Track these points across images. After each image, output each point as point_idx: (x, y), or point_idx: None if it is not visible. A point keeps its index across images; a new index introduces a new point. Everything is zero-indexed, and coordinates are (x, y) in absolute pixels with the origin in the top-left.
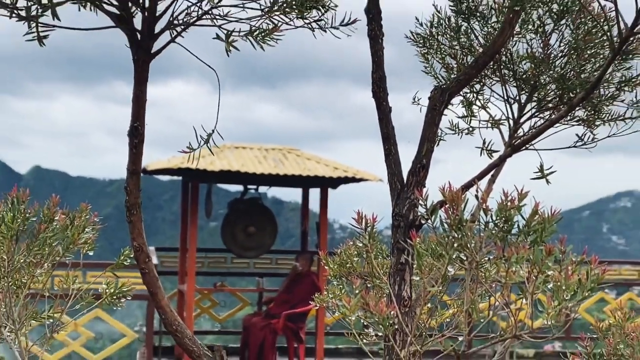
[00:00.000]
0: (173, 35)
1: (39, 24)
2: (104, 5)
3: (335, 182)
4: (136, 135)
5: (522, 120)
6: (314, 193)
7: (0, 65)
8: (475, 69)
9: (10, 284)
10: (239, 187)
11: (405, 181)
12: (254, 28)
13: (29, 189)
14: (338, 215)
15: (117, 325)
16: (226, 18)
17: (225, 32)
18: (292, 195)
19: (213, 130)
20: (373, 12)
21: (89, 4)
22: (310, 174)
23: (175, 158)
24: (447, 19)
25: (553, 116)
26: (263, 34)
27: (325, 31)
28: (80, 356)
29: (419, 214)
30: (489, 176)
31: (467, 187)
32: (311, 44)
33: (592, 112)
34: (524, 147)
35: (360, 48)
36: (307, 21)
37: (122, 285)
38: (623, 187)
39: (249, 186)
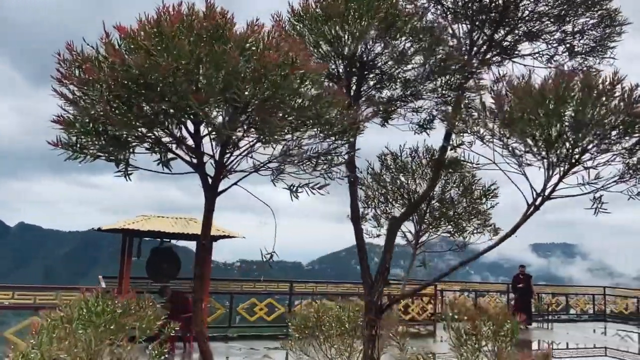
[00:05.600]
0: (234, 182)
1: (129, 169)
2: (188, 156)
3: (217, 237)
4: (204, 250)
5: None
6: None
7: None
8: (414, 207)
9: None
10: (158, 240)
11: (374, 278)
12: (292, 186)
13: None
14: (215, 257)
15: None
16: (259, 172)
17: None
18: (191, 245)
19: (273, 252)
20: (351, 172)
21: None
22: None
23: (121, 222)
24: (380, 175)
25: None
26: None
27: (333, 179)
28: None
29: (385, 302)
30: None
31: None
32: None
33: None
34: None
35: None
36: (319, 173)
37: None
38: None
39: (165, 239)
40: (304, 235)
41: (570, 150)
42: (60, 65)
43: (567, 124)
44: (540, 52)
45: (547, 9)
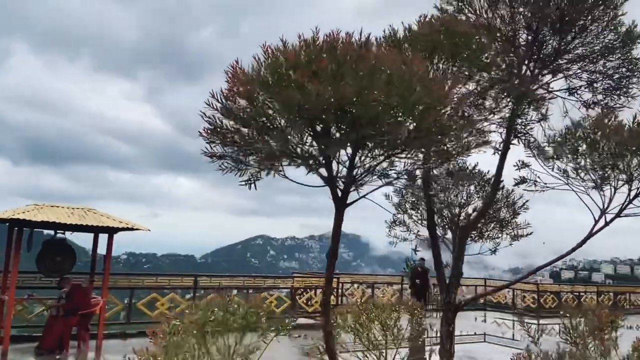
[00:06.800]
0: (360, 195)
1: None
2: (319, 172)
3: (118, 229)
4: (334, 255)
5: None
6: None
7: None
8: (479, 218)
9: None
10: (51, 231)
11: (448, 281)
12: None
13: None
14: (100, 249)
15: None
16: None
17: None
18: (86, 236)
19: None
20: (430, 187)
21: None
22: (103, 225)
23: (8, 211)
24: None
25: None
26: None
27: (416, 193)
28: None
29: (460, 301)
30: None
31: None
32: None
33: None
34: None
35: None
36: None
37: None
38: (258, 233)
39: (59, 231)
40: (197, 227)
41: None
42: (231, 82)
43: None
44: (572, 89)
45: (571, 48)
